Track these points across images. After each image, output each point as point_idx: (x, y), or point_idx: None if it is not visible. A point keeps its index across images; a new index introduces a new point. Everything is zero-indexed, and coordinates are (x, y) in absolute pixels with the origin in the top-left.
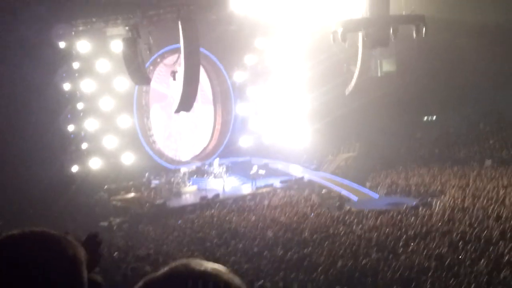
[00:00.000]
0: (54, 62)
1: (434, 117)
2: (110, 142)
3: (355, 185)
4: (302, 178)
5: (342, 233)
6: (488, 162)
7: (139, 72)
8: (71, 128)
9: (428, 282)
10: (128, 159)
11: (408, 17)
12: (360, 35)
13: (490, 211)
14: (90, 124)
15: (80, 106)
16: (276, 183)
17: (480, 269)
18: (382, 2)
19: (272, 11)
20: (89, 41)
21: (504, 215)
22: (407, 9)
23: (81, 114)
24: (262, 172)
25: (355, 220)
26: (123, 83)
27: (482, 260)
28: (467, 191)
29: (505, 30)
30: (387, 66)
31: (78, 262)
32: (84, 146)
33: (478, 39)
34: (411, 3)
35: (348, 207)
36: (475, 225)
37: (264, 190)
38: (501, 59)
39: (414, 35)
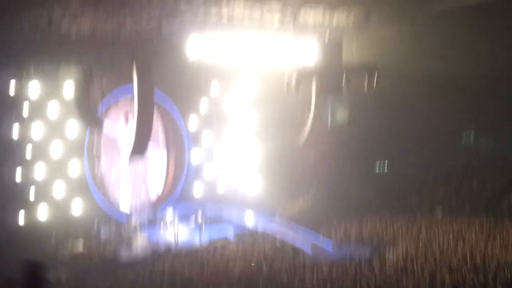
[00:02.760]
0: (2, 106)
1: (386, 166)
2: (59, 189)
3: (309, 234)
4: (256, 227)
5: (295, 285)
6: (439, 212)
7: (91, 115)
8: (17, 175)
9: None
10: (77, 208)
11: (361, 66)
12: (314, 84)
13: (442, 261)
14: (39, 171)
15: (28, 151)
16: (230, 233)
17: None
18: (334, 52)
19: (228, 57)
20: (40, 84)
21: (456, 265)
22: (359, 59)
23: (30, 160)
24: (205, 219)
25: (309, 272)
26: (74, 126)
27: None
28: (419, 240)
29: (455, 79)
30: (340, 116)
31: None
32: (32, 194)
33: (426, 89)
34: (362, 54)
35: (301, 259)
36: (428, 276)
37: (217, 240)
38: (450, 107)
39: (366, 84)
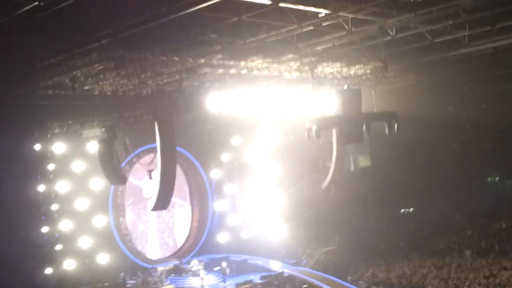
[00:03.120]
0: (28, 165)
1: (411, 210)
2: (85, 242)
3: (336, 279)
4: (282, 273)
5: None
6: (467, 253)
7: (115, 172)
8: (45, 229)
9: None
10: (103, 259)
11: (380, 114)
12: (334, 131)
13: None
14: (65, 225)
15: (54, 207)
16: (256, 279)
17: None
18: (354, 100)
19: (247, 110)
20: (64, 143)
21: None
22: (378, 106)
23: (56, 215)
24: (230, 267)
25: None
26: (99, 183)
27: None
28: (449, 282)
29: (476, 125)
30: (362, 162)
31: None
32: (58, 247)
33: (449, 134)
34: (382, 101)
35: None
36: None
37: (244, 286)
38: (474, 150)
39: (387, 131)
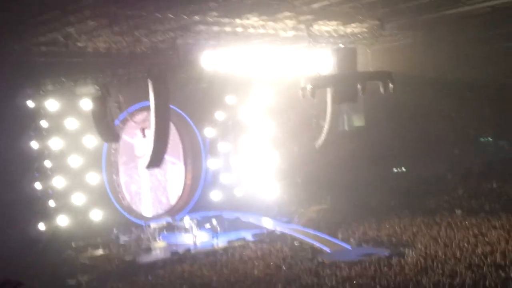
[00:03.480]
0: (21, 122)
1: (404, 169)
2: (78, 199)
3: (327, 237)
4: (274, 231)
5: (315, 284)
6: (458, 212)
7: (109, 130)
8: (38, 186)
9: None
10: (97, 215)
11: (376, 73)
12: (329, 91)
13: (462, 260)
14: (58, 182)
15: (48, 164)
16: (248, 236)
17: None
18: (349, 59)
19: (242, 68)
20: (57, 100)
21: (475, 264)
22: (374, 65)
23: (49, 172)
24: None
25: (328, 272)
26: (92, 140)
27: None
28: (439, 240)
29: (470, 85)
30: (356, 121)
31: None
32: (52, 204)
33: (443, 94)
34: (377, 60)
35: (320, 259)
36: (448, 274)
37: (236, 243)
38: (469, 110)
39: (382, 90)
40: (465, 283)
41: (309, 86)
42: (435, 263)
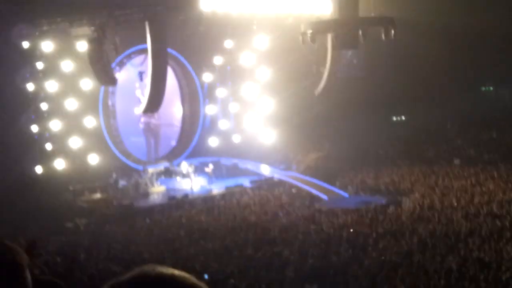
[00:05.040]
0: (17, 62)
1: (403, 118)
2: (75, 142)
3: (325, 184)
4: (272, 177)
5: (312, 231)
6: (456, 161)
7: (105, 73)
8: (35, 128)
9: (398, 279)
10: (94, 159)
11: (378, 19)
12: (330, 36)
13: (458, 209)
14: (55, 125)
15: (44, 106)
16: (246, 182)
17: (449, 266)
18: (351, 4)
19: (241, 11)
20: (53, 41)
21: (472, 213)
22: (376, 11)
23: (46, 115)
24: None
25: (325, 219)
26: (89, 83)
27: (451, 257)
28: (436, 189)
29: (472, 33)
30: (357, 67)
31: (18, 266)
32: (49, 147)
33: (445, 42)
34: (379, 5)
35: (318, 206)
36: (444, 223)
37: (234, 190)
38: (469, 59)
39: (383, 37)
40: (461, 231)
41: (309, 31)
42: (431, 212)
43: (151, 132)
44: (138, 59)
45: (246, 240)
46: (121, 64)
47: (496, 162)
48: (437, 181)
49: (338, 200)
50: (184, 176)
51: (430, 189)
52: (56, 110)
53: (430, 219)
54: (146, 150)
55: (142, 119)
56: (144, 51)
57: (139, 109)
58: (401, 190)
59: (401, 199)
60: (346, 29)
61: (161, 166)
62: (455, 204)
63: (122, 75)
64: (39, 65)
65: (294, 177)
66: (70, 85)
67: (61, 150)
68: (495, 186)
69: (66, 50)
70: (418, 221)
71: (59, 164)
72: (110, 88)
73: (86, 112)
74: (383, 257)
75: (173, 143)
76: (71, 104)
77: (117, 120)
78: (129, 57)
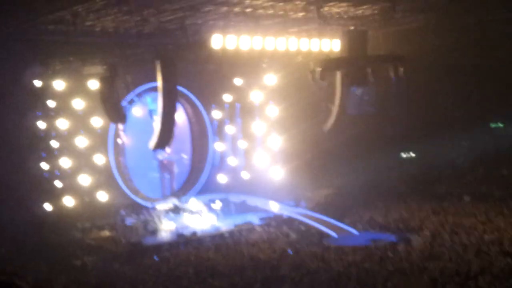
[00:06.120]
0: (29, 101)
1: (413, 154)
2: (84, 180)
3: (334, 221)
4: (281, 214)
5: (321, 269)
6: (467, 198)
7: (115, 111)
8: (45, 166)
9: None
10: (103, 197)
11: (386, 57)
12: (339, 74)
13: (469, 247)
14: (65, 162)
15: (54, 144)
16: (255, 220)
17: None
18: (359, 42)
19: (251, 50)
20: (65, 80)
21: (483, 251)
22: (386, 49)
23: (56, 153)
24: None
25: (335, 257)
26: (99, 121)
27: None
28: (446, 227)
29: (482, 70)
30: (367, 104)
31: None
32: (58, 184)
33: (455, 79)
34: (389, 43)
35: (327, 243)
36: (454, 260)
37: (243, 227)
38: (479, 96)
39: (392, 74)
40: (472, 269)
41: (318, 69)
42: (441, 250)
43: (165, 167)
44: (148, 96)
45: (254, 278)
46: (132, 102)
47: (507, 199)
48: (447, 218)
49: (347, 238)
50: (193, 213)
51: (440, 226)
52: (66, 148)
53: (440, 257)
54: (160, 185)
55: (158, 155)
56: (155, 89)
57: (150, 144)
58: (411, 227)
59: (411, 237)
60: (355, 67)
61: (170, 203)
62: (466, 241)
63: (139, 111)
64: (51, 104)
65: (303, 214)
66: (80, 123)
67: (71, 187)
68: (506, 223)
69: (77, 88)
70: (428, 259)
71: (68, 202)
72: (120, 126)
73: (96, 150)
74: None
75: (182, 179)
76: (81, 141)
77: (126, 158)
78: (139, 95)
